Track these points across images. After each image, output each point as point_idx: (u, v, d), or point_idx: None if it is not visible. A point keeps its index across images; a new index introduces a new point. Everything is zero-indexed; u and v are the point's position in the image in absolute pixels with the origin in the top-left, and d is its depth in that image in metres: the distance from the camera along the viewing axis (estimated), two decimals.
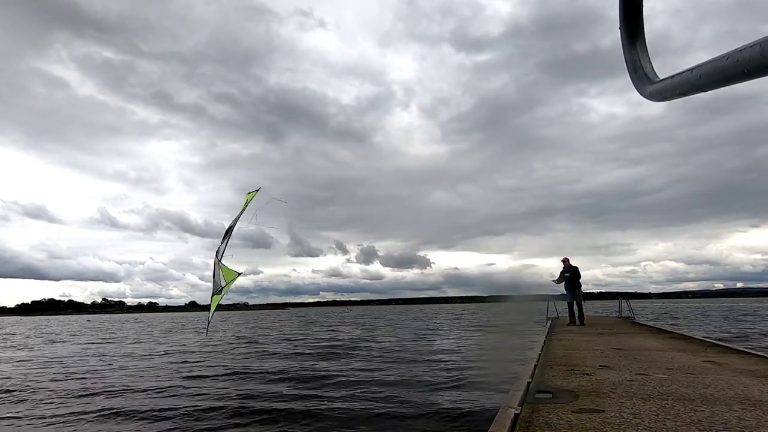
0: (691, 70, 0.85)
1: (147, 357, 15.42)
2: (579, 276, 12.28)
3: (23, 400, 8.52)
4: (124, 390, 9.22)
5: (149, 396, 8.67)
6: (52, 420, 7.03)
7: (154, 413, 7.23)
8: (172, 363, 13.53)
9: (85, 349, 19.00)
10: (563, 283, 12.30)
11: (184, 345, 20.25)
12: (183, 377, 10.75)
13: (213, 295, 8.38)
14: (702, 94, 0.88)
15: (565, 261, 12.43)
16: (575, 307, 12.37)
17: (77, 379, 10.89)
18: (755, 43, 0.68)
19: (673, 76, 0.91)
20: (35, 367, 13.39)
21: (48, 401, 8.36)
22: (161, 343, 21.45)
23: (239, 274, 8.38)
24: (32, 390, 9.43)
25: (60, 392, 9.17)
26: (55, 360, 15.12)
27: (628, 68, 1.09)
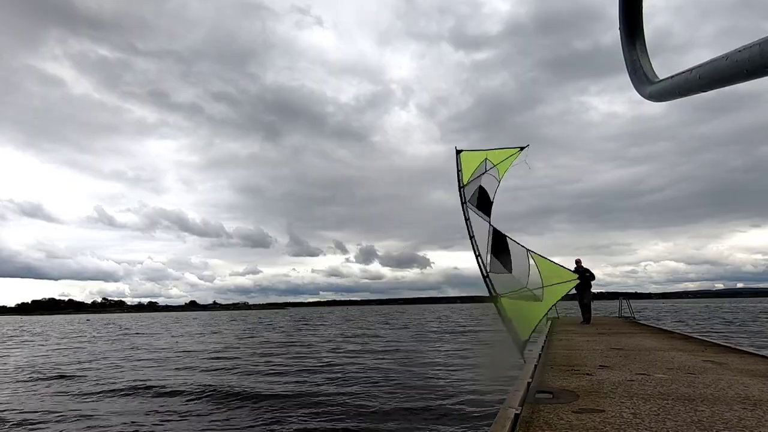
0: (690, 70, 0.85)
1: None
2: (591, 278, 12.66)
3: None
4: None
5: None
6: None
7: None
8: None
9: None
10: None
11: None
12: None
13: (499, 296, 5.09)
14: (703, 93, 0.88)
15: (578, 262, 12.72)
16: (584, 306, 12.94)
17: None
18: (754, 44, 0.68)
19: (672, 77, 0.91)
20: None
21: None
22: None
23: (579, 277, 5.21)
24: None
25: None
26: None
27: (627, 68, 1.09)
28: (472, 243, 5.53)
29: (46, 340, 26.01)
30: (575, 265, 12.69)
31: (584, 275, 12.51)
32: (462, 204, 5.82)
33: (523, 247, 5.40)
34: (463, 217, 5.77)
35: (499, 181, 6.01)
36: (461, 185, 5.95)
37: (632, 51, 1.08)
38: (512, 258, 5.34)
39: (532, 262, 5.29)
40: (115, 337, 27.63)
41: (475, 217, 5.78)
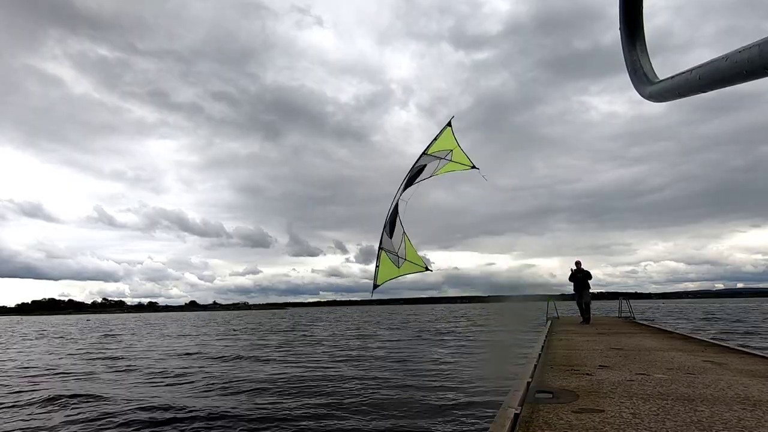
0: (690, 70, 0.85)
1: None
2: (588, 278, 12.73)
3: None
4: None
5: None
6: None
7: None
8: None
9: None
10: (573, 283, 12.74)
11: None
12: None
13: (383, 249, 6.85)
14: (703, 93, 0.88)
15: (578, 264, 12.74)
16: (584, 306, 12.95)
17: None
18: (754, 45, 0.68)
19: (672, 77, 0.91)
20: None
21: None
22: None
23: (426, 268, 7.01)
24: None
25: None
26: None
27: (627, 68, 1.09)
28: (395, 197, 6.83)
29: (26, 341, 25.68)
30: (575, 267, 12.70)
31: (584, 277, 12.58)
32: (414, 164, 6.77)
33: (403, 230, 6.94)
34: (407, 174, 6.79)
35: (432, 175, 6.98)
36: (426, 150, 6.83)
37: (632, 51, 1.08)
38: (395, 230, 6.92)
39: (403, 243, 6.94)
40: (95, 339, 26.65)
41: (402, 183, 6.85)
